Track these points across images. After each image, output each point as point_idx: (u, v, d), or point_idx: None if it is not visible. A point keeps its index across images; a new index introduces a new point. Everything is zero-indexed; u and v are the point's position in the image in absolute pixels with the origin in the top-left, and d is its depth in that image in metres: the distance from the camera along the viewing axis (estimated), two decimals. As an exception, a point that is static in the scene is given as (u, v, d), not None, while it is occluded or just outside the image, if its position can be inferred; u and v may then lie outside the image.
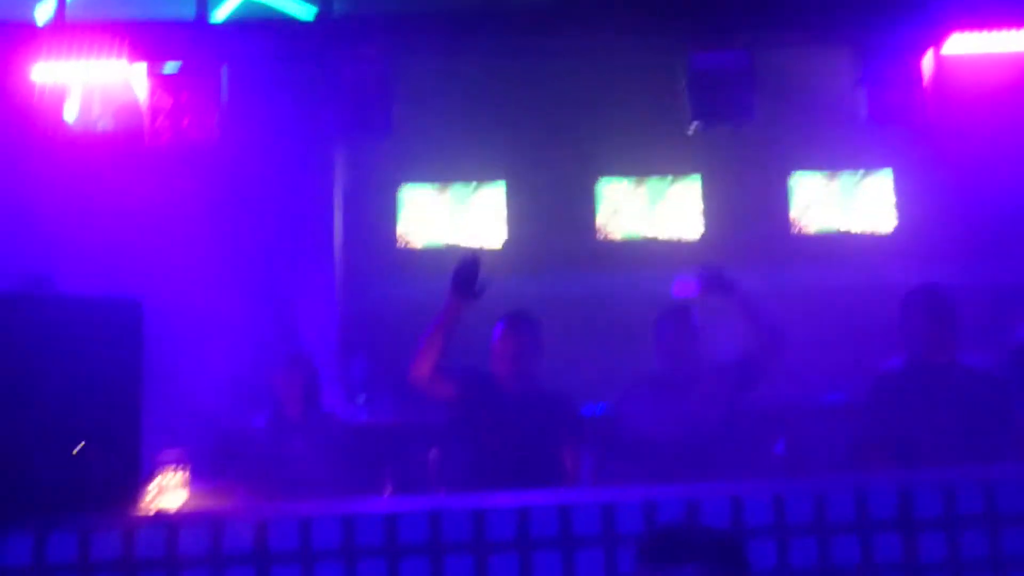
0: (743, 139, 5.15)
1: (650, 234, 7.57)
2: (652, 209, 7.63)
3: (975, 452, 3.39)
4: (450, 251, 7.32)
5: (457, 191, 7.53)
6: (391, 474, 4.10)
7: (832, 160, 7.51)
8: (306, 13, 5.45)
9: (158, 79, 4.67)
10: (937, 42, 4.85)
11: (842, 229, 7.57)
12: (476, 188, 7.52)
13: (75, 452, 2.63)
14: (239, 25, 5.37)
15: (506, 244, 7.42)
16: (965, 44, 4.86)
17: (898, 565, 2.70)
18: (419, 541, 2.67)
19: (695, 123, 4.85)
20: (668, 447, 3.60)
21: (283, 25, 5.15)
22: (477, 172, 7.47)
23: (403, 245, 7.39)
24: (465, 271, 3.52)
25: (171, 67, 4.70)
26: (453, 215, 7.49)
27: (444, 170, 7.41)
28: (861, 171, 7.64)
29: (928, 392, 3.62)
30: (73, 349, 2.69)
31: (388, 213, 7.41)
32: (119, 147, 5.10)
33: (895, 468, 3.49)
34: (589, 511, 2.72)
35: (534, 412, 3.60)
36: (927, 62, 4.91)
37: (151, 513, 2.74)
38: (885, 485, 2.78)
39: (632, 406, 3.81)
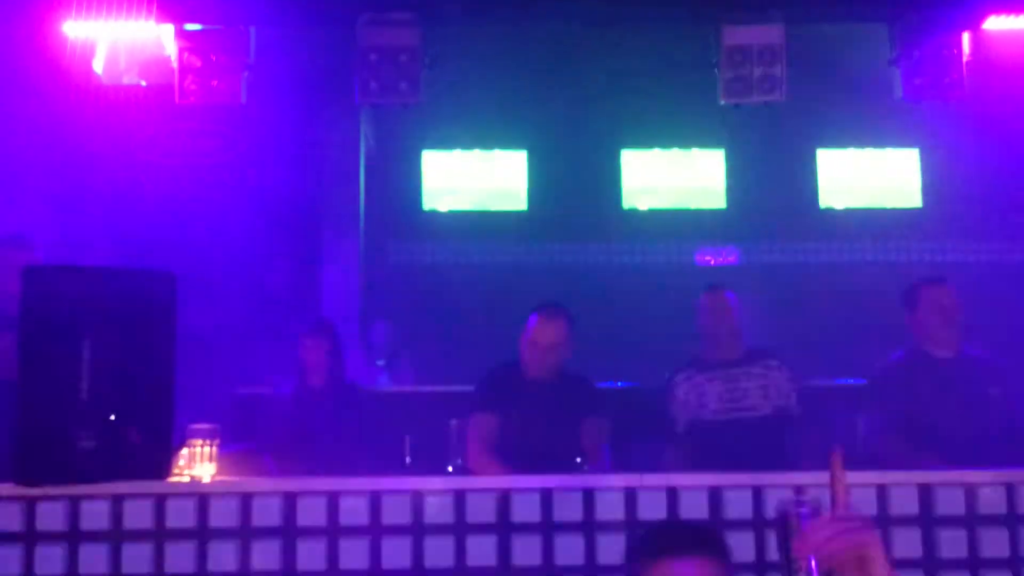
0: (769, 112, 5.07)
1: (672, 205, 7.53)
2: (675, 180, 7.58)
3: (981, 444, 3.39)
4: (471, 216, 7.32)
5: (479, 157, 7.50)
6: (410, 443, 4.13)
7: (859, 137, 7.43)
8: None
9: (187, 39, 4.65)
10: (976, 21, 4.77)
11: (867, 206, 7.51)
12: (499, 154, 7.48)
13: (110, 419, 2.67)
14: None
15: (527, 212, 7.40)
16: (1005, 21, 4.78)
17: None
18: (443, 521, 2.72)
19: (725, 98, 4.79)
20: (733, 431, 3.68)
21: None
22: (500, 139, 7.43)
23: (425, 210, 7.38)
24: None
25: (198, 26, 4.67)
26: (475, 181, 7.46)
27: (467, 136, 7.37)
28: (888, 148, 7.56)
29: (932, 385, 3.59)
30: (109, 320, 2.72)
31: (411, 178, 7.39)
32: (147, 103, 5.09)
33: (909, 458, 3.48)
34: (612, 496, 2.76)
35: (557, 399, 3.62)
36: (966, 40, 4.83)
37: (182, 483, 2.78)
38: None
39: (686, 392, 3.83)
